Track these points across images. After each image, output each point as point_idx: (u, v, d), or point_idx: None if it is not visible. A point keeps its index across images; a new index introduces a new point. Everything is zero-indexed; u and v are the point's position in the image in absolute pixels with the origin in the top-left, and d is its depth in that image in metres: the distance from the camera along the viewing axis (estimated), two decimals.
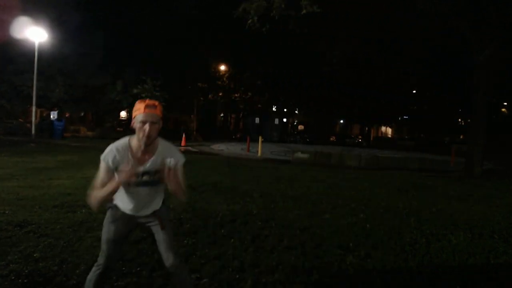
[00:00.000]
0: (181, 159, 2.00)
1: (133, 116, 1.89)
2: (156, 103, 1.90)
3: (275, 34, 11.49)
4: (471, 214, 5.47)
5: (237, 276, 2.78)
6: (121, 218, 2.04)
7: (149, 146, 1.90)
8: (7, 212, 4.16)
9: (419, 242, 3.88)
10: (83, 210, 4.44)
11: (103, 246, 2.06)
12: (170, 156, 1.91)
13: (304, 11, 9.33)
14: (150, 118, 1.83)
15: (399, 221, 4.78)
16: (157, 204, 2.08)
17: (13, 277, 2.55)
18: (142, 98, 2.24)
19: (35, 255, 2.94)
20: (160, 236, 2.06)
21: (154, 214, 2.07)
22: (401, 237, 4.03)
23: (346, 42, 12.92)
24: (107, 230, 2.05)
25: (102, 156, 1.88)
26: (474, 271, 3.17)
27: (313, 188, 7.05)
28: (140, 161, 1.92)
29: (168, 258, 2.02)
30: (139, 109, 1.85)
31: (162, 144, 1.99)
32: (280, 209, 5.09)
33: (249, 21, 9.99)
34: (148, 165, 1.93)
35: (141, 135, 1.84)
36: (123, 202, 2.01)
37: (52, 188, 5.65)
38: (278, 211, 4.95)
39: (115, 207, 2.05)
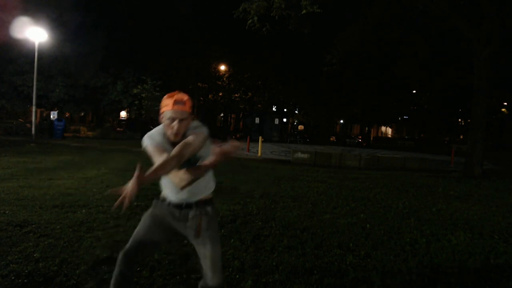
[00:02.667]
0: (199, 129, 1.83)
1: (161, 111, 1.81)
2: (185, 98, 1.80)
3: (275, 34, 11.47)
4: (471, 214, 5.47)
5: (237, 276, 2.78)
6: (160, 213, 1.92)
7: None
8: (7, 212, 4.16)
9: (419, 242, 3.88)
10: (83, 210, 4.44)
11: (132, 238, 1.93)
12: (191, 132, 1.81)
13: (304, 11, 9.33)
14: (179, 115, 1.75)
15: (399, 221, 4.78)
16: (202, 189, 1.92)
17: (13, 277, 2.55)
18: (170, 93, 1.92)
19: (35, 255, 2.94)
20: (201, 249, 1.86)
21: (197, 207, 1.88)
22: (401, 237, 4.04)
23: (346, 42, 12.91)
24: (141, 222, 1.96)
25: (144, 143, 1.78)
26: (474, 271, 3.17)
27: (313, 188, 7.05)
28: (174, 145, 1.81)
29: (213, 278, 1.82)
30: (168, 105, 1.76)
31: (190, 126, 1.84)
32: (280, 209, 5.09)
33: (249, 21, 9.99)
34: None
35: (169, 132, 1.77)
36: (165, 186, 1.91)
37: (52, 188, 5.65)
38: (278, 211, 4.95)
39: (160, 198, 1.95)
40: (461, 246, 3.82)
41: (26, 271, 2.65)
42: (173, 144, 1.77)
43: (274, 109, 40.29)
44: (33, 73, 16.74)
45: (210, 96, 32.94)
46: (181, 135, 1.78)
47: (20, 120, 25.15)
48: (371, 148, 28.45)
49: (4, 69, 21.69)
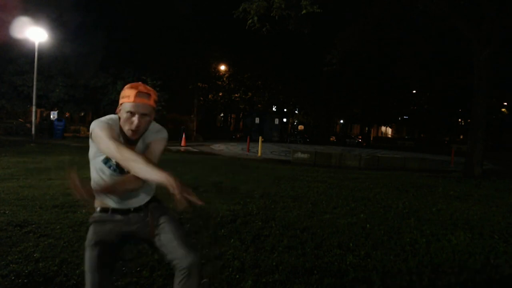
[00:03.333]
0: (161, 135, 1.65)
1: (120, 102, 1.56)
2: (151, 91, 1.56)
3: (275, 34, 11.47)
4: (471, 214, 5.47)
5: (237, 276, 2.78)
6: (108, 224, 1.66)
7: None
8: (7, 212, 4.16)
9: (419, 242, 3.88)
10: (83, 210, 4.43)
11: (86, 276, 1.62)
12: (154, 138, 1.62)
13: (304, 11, 9.33)
14: (140, 109, 1.50)
15: (399, 221, 4.78)
16: (149, 192, 1.74)
17: (13, 277, 2.55)
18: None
19: (35, 255, 2.94)
20: (163, 235, 1.66)
21: (147, 207, 1.71)
22: (401, 237, 4.03)
23: (346, 42, 12.91)
24: (89, 253, 1.63)
25: (96, 124, 1.51)
26: (474, 271, 3.17)
27: (313, 188, 7.05)
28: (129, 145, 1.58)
29: (187, 255, 1.60)
30: (128, 96, 1.51)
31: (150, 129, 1.64)
32: (280, 209, 5.09)
33: (249, 21, 9.99)
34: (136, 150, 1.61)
35: (127, 127, 1.53)
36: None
37: (52, 188, 5.65)
38: (278, 211, 4.95)
39: (97, 212, 1.68)
40: (461, 246, 3.82)
41: (26, 271, 2.65)
42: (128, 143, 1.57)
43: (274, 109, 40.32)
44: (33, 73, 16.73)
45: (210, 96, 32.95)
46: (139, 133, 1.57)
47: (20, 120, 25.15)
48: (371, 148, 28.45)
49: (4, 69, 21.68)
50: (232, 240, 3.60)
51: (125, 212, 1.68)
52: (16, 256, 2.89)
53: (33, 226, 3.69)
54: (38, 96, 18.23)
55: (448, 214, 5.39)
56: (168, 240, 1.66)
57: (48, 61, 21.04)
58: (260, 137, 16.93)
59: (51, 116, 22.05)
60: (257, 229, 4.02)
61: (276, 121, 36.27)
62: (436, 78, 31.13)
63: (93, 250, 1.62)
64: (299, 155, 13.79)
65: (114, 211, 1.66)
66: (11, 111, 25.50)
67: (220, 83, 32.10)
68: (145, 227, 1.69)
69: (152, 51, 25.36)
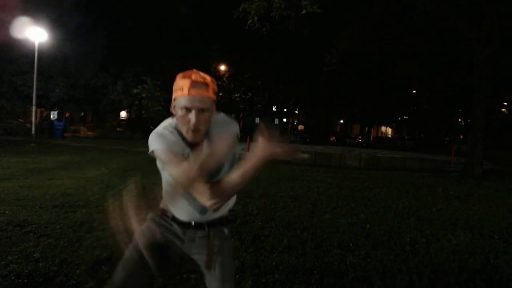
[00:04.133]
0: (228, 128, 1.37)
1: (173, 97, 1.29)
2: (208, 79, 1.28)
3: (275, 34, 11.48)
4: (471, 214, 5.47)
5: (237, 276, 2.78)
6: (163, 229, 1.44)
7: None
8: (7, 212, 4.16)
9: (419, 242, 3.88)
10: (83, 210, 4.44)
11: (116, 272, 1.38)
12: (216, 129, 1.34)
13: (304, 11, 9.33)
14: (198, 104, 1.24)
15: (399, 221, 4.78)
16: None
17: (13, 277, 2.55)
18: (184, 74, 1.30)
19: (35, 255, 2.94)
20: (213, 283, 1.40)
21: (210, 227, 1.45)
22: (401, 237, 4.03)
23: (346, 42, 12.92)
24: (127, 261, 1.38)
25: (153, 140, 1.28)
26: (474, 271, 3.17)
27: (313, 188, 7.05)
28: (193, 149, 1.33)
29: None
30: (182, 88, 1.25)
31: (214, 121, 1.35)
32: (280, 209, 5.09)
33: (249, 21, 9.99)
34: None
35: (185, 127, 1.27)
36: (175, 203, 1.43)
37: (52, 188, 5.65)
38: (278, 211, 4.95)
39: (157, 213, 1.47)
40: (461, 246, 3.82)
41: (26, 271, 2.65)
42: (191, 146, 1.32)
43: (274, 109, 40.32)
44: (33, 73, 16.74)
45: None
46: (202, 133, 1.29)
47: (20, 120, 25.17)
48: (371, 148, 28.44)
49: (4, 69, 21.70)
50: (232, 240, 3.59)
51: (184, 225, 1.43)
52: (16, 256, 2.89)
53: (33, 226, 3.69)
54: (38, 96, 18.25)
55: (448, 214, 5.39)
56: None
57: (48, 61, 21.07)
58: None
59: (51, 116, 22.07)
60: (257, 229, 4.02)
61: (276, 121, 36.28)
62: (436, 78, 31.11)
63: (135, 248, 1.39)
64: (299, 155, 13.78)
65: (174, 219, 1.44)
66: (11, 111, 25.52)
67: (220, 83, 32.11)
68: (201, 252, 1.43)
69: (152, 51, 25.37)
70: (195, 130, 1.26)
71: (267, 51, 28.63)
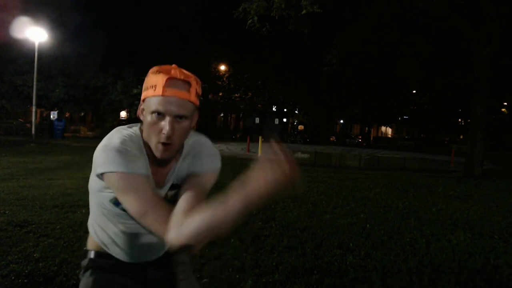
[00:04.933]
0: (214, 165, 1.09)
1: (141, 97, 0.99)
2: (191, 77, 0.96)
3: (275, 34, 11.49)
4: (471, 214, 5.47)
5: (237, 276, 2.78)
6: (117, 277, 1.10)
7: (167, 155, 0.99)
8: (7, 212, 4.16)
9: (419, 242, 3.88)
10: (83, 210, 4.44)
11: None
12: (200, 161, 1.05)
13: (304, 11, 9.34)
14: (174, 108, 0.93)
15: (399, 221, 4.78)
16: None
17: (13, 277, 2.55)
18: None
19: (35, 255, 2.94)
20: None
21: (168, 259, 1.05)
22: (401, 237, 4.04)
23: (346, 42, 12.92)
24: None
25: (103, 166, 0.94)
26: (474, 271, 3.17)
27: (313, 188, 7.05)
28: (157, 178, 1.03)
29: None
30: (154, 85, 0.93)
31: (192, 141, 1.07)
32: (280, 209, 5.09)
33: (249, 21, 9.99)
34: (169, 179, 1.06)
35: (154, 139, 0.95)
36: (115, 242, 1.09)
37: (52, 188, 5.65)
38: (278, 211, 4.95)
39: (100, 257, 1.12)
40: (461, 246, 3.82)
41: (26, 271, 2.64)
42: (154, 169, 1.01)
43: (274, 109, 40.32)
44: (33, 73, 16.74)
45: (210, 96, 32.97)
46: (175, 148, 0.98)
47: (20, 120, 25.17)
48: (371, 148, 28.45)
49: (4, 69, 21.69)
50: (232, 240, 3.59)
51: (139, 267, 1.13)
52: (16, 256, 2.89)
53: (33, 226, 3.69)
54: (38, 96, 18.24)
55: (448, 214, 5.39)
56: None
57: (48, 61, 21.06)
58: (260, 137, 16.92)
59: (51, 116, 22.09)
60: (257, 229, 4.02)
61: (276, 121, 36.29)
62: (436, 78, 31.12)
63: None
64: (299, 155, 13.79)
65: (122, 263, 1.12)
66: (11, 111, 25.52)
67: (220, 83, 32.11)
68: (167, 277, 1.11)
69: (152, 51, 25.37)
70: (167, 143, 0.94)
71: (267, 51, 28.62)
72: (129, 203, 0.93)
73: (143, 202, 0.91)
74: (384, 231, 4.22)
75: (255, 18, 9.84)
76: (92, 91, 25.14)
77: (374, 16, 12.60)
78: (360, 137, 40.21)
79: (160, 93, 0.92)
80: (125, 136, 0.98)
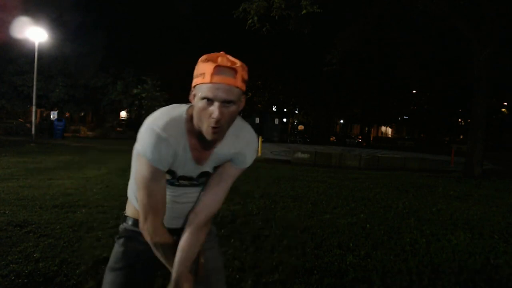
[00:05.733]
0: (247, 160, 1.19)
1: (192, 84, 1.05)
2: (238, 63, 1.03)
3: (275, 34, 11.49)
4: (471, 214, 5.47)
5: (237, 276, 2.78)
6: (142, 245, 1.20)
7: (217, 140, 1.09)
8: (7, 212, 4.16)
9: (419, 242, 3.88)
10: (83, 210, 4.44)
11: None
12: (243, 157, 1.16)
13: (304, 11, 9.34)
14: (222, 94, 1.00)
15: (399, 221, 4.78)
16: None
17: (13, 277, 2.55)
18: (207, 60, 1.02)
19: (35, 255, 2.94)
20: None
21: None
22: (401, 237, 4.03)
23: (346, 42, 12.92)
24: (110, 278, 1.23)
25: (143, 149, 1.04)
26: (474, 271, 3.16)
27: (313, 188, 7.05)
28: (198, 157, 1.12)
29: None
30: (203, 73, 1.01)
31: (233, 128, 1.12)
32: (280, 209, 5.09)
33: (249, 21, 9.99)
34: (207, 165, 1.15)
35: (205, 123, 1.02)
36: None
37: (52, 188, 5.65)
38: (278, 211, 4.95)
39: (136, 225, 1.21)
40: (461, 246, 3.82)
41: (26, 271, 2.64)
42: (196, 156, 1.10)
43: (274, 109, 40.34)
44: (33, 73, 16.75)
45: None
46: (224, 131, 1.05)
47: (20, 120, 25.17)
48: (371, 148, 28.44)
49: (4, 69, 21.70)
50: (232, 240, 3.59)
51: (171, 232, 1.21)
52: (16, 256, 2.89)
53: (33, 226, 3.69)
54: (38, 96, 18.26)
55: (448, 214, 5.39)
56: None
57: (48, 61, 21.08)
58: (260, 137, 16.93)
59: (51, 116, 22.09)
60: (257, 229, 4.02)
61: (276, 121, 36.28)
62: (436, 78, 31.13)
63: (117, 276, 1.20)
64: (299, 155, 13.78)
65: None
66: (11, 111, 25.54)
67: None
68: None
69: (152, 51, 25.37)
70: (216, 127, 1.01)
71: (267, 51, 28.64)
72: (140, 190, 1.08)
73: (150, 198, 1.07)
74: (384, 231, 4.22)
75: (255, 18, 9.84)
76: (92, 91, 25.16)
77: (374, 16, 12.60)
78: (360, 137, 40.23)
79: (209, 80, 0.99)
80: (170, 120, 1.05)
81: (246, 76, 1.06)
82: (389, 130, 62.36)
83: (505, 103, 42.23)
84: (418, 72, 27.38)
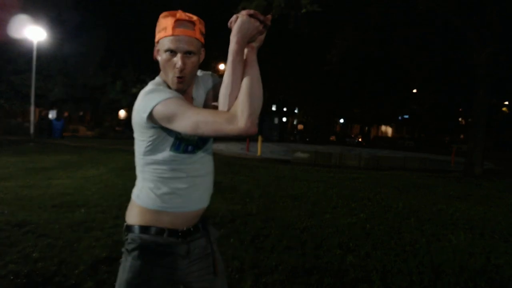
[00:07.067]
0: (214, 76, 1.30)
1: (155, 40, 1.13)
2: (194, 17, 1.13)
3: (275, 34, 11.48)
4: (471, 214, 5.46)
5: (237, 276, 2.77)
6: (164, 259, 1.16)
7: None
8: (6, 212, 4.15)
9: (419, 242, 3.87)
10: (82, 210, 4.42)
11: None
12: (211, 78, 1.26)
13: (304, 11, 9.33)
14: (183, 45, 1.07)
15: (399, 221, 4.77)
16: (211, 188, 1.29)
17: (12, 277, 2.54)
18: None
19: (34, 255, 2.92)
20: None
21: (204, 229, 1.25)
22: (401, 237, 4.02)
23: (346, 41, 12.92)
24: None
25: (158, 97, 1.05)
26: (475, 271, 3.16)
27: (313, 188, 7.04)
28: None
29: None
30: (165, 27, 1.09)
31: (201, 74, 1.27)
32: (280, 209, 5.07)
33: None
34: None
35: (170, 74, 1.11)
36: (176, 194, 1.16)
37: (51, 188, 5.63)
38: (278, 211, 4.94)
39: (145, 232, 1.16)
40: (462, 246, 3.81)
41: (25, 271, 2.63)
42: None
43: (274, 109, 40.35)
44: (32, 72, 16.72)
45: None
46: (188, 81, 1.13)
47: (19, 119, 25.14)
48: (371, 148, 28.45)
49: (2, 68, 21.65)
50: (232, 240, 3.58)
51: (184, 234, 1.18)
52: (14, 256, 2.87)
53: (32, 226, 3.67)
54: (36, 96, 18.21)
55: (449, 214, 5.39)
56: None
57: (47, 60, 21.02)
58: (259, 137, 16.90)
59: (50, 116, 22.06)
60: (256, 229, 4.01)
61: (276, 120, 36.28)
62: (436, 78, 31.15)
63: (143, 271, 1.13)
64: (299, 154, 13.77)
65: (171, 233, 1.16)
66: (10, 110, 25.48)
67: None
68: (205, 263, 1.24)
69: (152, 50, 25.35)
70: (181, 76, 1.09)
71: (267, 51, 28.63)
72: (182, 122, 1.02)
73: (192, 114, 1.02)
74: (384, 231, 4.21)
75: None
76: (91, 91, 25.14)
77: (374, 16, 12.59)
78: (360, 136, 40.24)
79: (171, 33, 1.08)
80: (154, 82, 1.15)
81: (203, 29, 1.16)
82: (389, 130, 62.39)
83: (506, 103, 42.27)
84: (418, 72, 27.39)
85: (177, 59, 1.08)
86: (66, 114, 28.83)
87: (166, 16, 1.10)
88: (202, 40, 1.15)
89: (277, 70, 31.14)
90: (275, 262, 3.07)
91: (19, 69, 21.73)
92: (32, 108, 16.98)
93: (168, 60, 1.09)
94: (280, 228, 4.11)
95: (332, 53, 12.80)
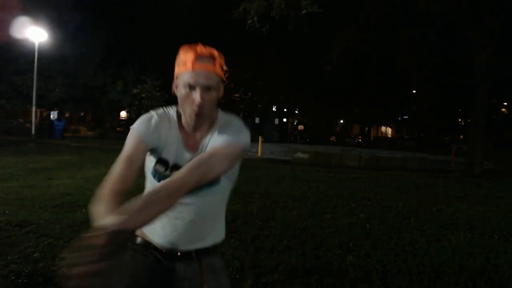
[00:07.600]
0: (235, 137, 1.11)
1: (175, 75, 1.11)
2: (215, 52, 1.10)
3: (275, 34, 11.49)
4: (471, 214, 5.47)
5: (237, 276, 2.78)
6: (151, 258, 1.17)
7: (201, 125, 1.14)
8: (7, 212, 4.16)
9: (419, 242, 3.88)
10: (83, 210, 4.43)
11: None
12: (220, 135, 1.12)
13: (304, 11, 9.34)
14: (203, 80, 1.05)
15: (399, 221, 4.77)
16: (212, 231, 1.22)
17: (13, 277, 2.55)
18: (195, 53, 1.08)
19: (35, 255, 2.93)
20: None
21: (199, 258, 1.19)
22: (401, 237, 4.03)
23: (346, 41, 12.92)
24: None
25: (135, 124, 1.10)
26: (474, 271, 3.16)
27: (313, 188, 7.05)
28: (190, 144, 1.15)
29: None
30: (185, 62, 1.07)
31: (223, 117, 1.18)
32: (280, 209, 5.08)
33: (249, 21, 9.99)
34: (202, 147, 1.15)
35: (188, 109, 1.09)
36: (155, 227, 1.15)
37: (52, 188, 5.64)
38: (278, 211, 4.95)
39: (136, 244, 1.19)
40: (461, 246, 3.81)
41: (26, 271, 2.64)
42: (187, 142, 1.14)
43: (274, 109, 40.33)
44: (33, 72, 16.75)
45: None
46: (206, 117, 1.11)
47: (20, 120, 25.17)
48: (371, 148, 28.44)
49: (4, 69, 21.69)
50: (232, 240, 3.59)
51: (169, 255, 1.18)
52: (15, 256, 2.88)
53: (33, 226, 3.68)
54: (38, 96, 18.23)
55: (448, 214, 5.39)
56: None
57: (48, 61, 21.06)
58: (260, 137, 16.91)
59: (51, 116, 22.08)
60: (257, 229, 4.02)
61: (276, 121, 36.29)
62: (436, 78, 31.16)
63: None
64: (299, 155, 13.78)
65: (156, 249, 1.18)
66: (11, 110, 25.51)
67: None
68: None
69: (152, 50, 25.38)
70: (199, 112, 1.07)
71: (267, 51, 28.64)
72: (118, 161, 1.04)
73: (123, 154, 1.04)
74: (384, 231, 4.22)
75: (255, 18, 9.84)
76: (91, 91, 25.15)
77: (374, 16, 12.59)
78: (360, 137, 40.22)
79: (191, 68, 1.06)
80: (164, 110, 1.17)
81: (223, 64, 1.13)
82: (389, 130, 62.35)
83: (505, 103, 42.25)
84: (418, 72, 27.40)
85: (196, 95, 1.06)
86: (67, 114, 28.87)
87: (186, 51, 1.08)
88: (222, 75, 1.12)
89: (277, 71, 31.16)
90: (275, 262, 3.08)
91: (20, 70, 21.77)
92: (33, 108, 17.02)
93: (187, 96, 1.07)
94: (280, 228, 4.12)
95: (332, 53, 12.80)
